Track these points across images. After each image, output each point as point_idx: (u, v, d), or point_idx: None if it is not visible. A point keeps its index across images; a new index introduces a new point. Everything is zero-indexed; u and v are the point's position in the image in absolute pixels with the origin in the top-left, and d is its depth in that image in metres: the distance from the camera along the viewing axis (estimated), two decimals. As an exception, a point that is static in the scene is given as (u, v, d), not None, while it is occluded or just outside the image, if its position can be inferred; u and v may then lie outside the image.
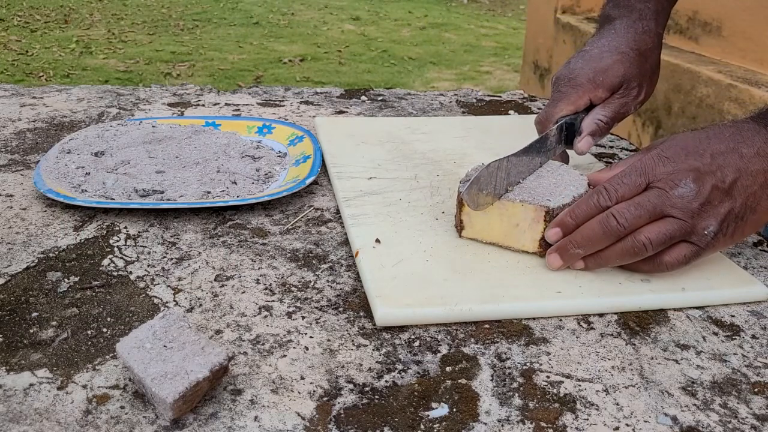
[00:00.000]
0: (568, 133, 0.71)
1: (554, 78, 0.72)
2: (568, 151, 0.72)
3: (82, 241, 0.61)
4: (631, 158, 0.59)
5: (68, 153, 0.73)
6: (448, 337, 0.50)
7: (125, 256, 0.59)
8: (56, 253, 0.58)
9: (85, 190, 0.67)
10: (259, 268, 0.58)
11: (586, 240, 0.55)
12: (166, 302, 0.53)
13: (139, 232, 0.62)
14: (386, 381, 0.46)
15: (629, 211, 0.54)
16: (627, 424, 0.43)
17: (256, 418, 0.42)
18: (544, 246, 0.58)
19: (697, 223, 0.53)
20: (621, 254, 0.55)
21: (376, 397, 0.44)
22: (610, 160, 0.88)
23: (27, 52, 4.67)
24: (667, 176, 0.54)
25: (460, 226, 0.61)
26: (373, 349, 0.49)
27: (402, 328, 0.51)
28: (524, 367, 0.48)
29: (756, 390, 0.47)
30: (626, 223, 0.53)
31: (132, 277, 0.56)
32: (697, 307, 0.56)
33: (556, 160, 0.70)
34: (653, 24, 0.73)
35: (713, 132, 0.56)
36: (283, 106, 0.98)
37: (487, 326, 0.52)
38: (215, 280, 0.56)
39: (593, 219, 0.55)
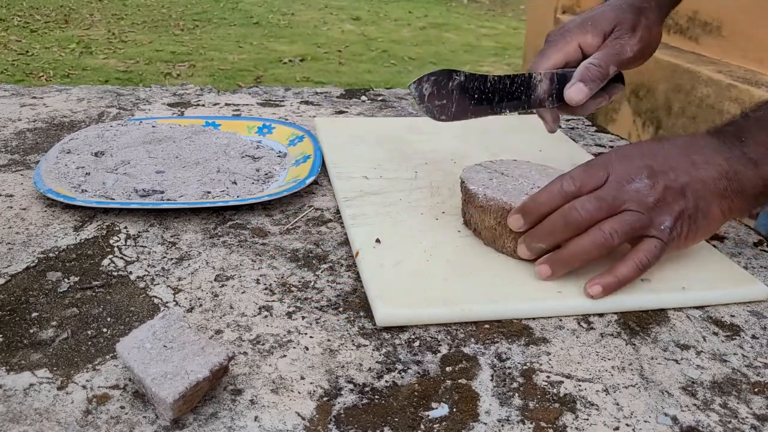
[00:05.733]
0: (561, 87, 0.68)
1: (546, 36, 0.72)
2: (562, 120, 0.72)
3: (82, 241, 0.61)
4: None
5: (68, 153, 0.74)
6: (448, 337, 0.50)
7: (125, 256, 0.59)
8: (56, 253, 0.58)
9: (85, 190, 0.67)
10: (259, 268, 0.58)
11: (546, 233, 0.55)
12: (166, 302, 0.53)
13: (139, 232, 0.62)
14: (386, 381, 0.46)
15: (590, 202, 0.54)
16: (627, 424, 0.43)
17: (256, 418, 0.42)
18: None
19: (654, 217, 0.54)
20: (589, 247, 0.54)
21: (376, 397, 0.44)
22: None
23: (27, 52, 4.67)
24: (623, 171, 0.55)
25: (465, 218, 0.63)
26: (373, 349, 0.49)
27: (402, 328, 0.51)
28: (524, 367, 0.48)
29: (756, 390, 0.47)
30: (587, 214, 0.54)
31: (132, 277, 0.56)
32: (697, 307, 0.56)
33: (546, 117, 0.69)
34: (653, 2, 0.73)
35: (667, 141, 0.58)
36: (283, 106, 0.98)
37: (487, 326, 0.52)
38: (215, 280, 0.56)
39: (555, 212, 0.55)
